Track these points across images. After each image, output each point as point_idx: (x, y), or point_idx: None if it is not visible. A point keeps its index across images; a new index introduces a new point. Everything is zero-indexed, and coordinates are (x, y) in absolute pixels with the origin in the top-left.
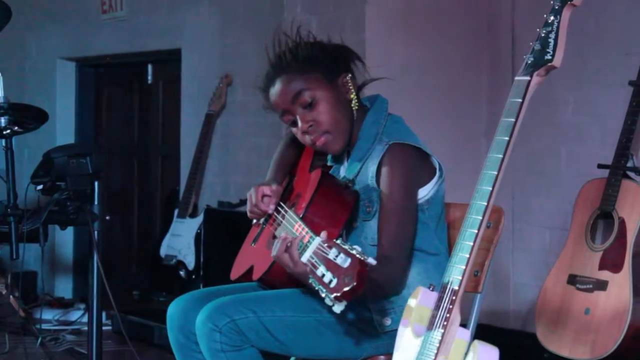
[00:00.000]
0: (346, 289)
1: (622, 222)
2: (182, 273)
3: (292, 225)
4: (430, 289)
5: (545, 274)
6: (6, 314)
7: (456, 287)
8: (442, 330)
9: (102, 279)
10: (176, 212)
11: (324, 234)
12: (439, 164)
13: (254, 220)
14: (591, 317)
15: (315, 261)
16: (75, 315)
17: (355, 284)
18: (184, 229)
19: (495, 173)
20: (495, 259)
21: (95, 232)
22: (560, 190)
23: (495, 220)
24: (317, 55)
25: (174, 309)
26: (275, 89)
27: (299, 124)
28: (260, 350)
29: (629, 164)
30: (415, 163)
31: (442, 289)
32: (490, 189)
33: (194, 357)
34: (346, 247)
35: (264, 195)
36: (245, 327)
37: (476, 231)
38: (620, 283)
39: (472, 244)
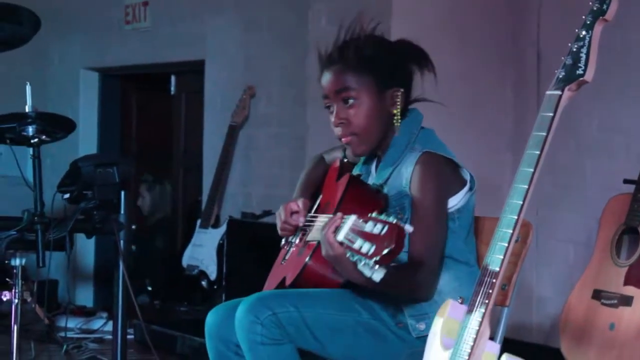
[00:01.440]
0: (385, 251)
1: None
2: (204, 283)
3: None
4: (460, 301)
5: (568, 288)
6: (31, 322)
7: (487, 301)
8: (472, 344)
9: (127, 288)
10: (198, 222)
11: (354, 215)
12: (471, 176)
13: (283, 241)
14: (616, 332)
15: (352, 237)
16: (97, 323)
17: (393, 245)
18: (206, 240)
19: (526, 187)
20: (519, 272)
21: (121, 242)
22: (585, 205)
23: (524, 235)
24: (379, 60)
25: (212, 319)
26: (328, 74)
27: (334, 115)
28: (301, 348)
29: None
30: (446, 171)
31: (471, 300)
32: (521, 202)
33: None
34: (382, 217)
35: (292, 212)
36: (286, 321)
37: (506, 245)
38: None
39: (502, 257)
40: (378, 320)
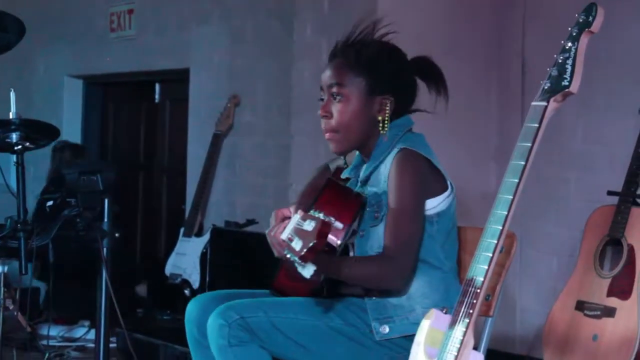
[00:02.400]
0: (307, 247)
1: (631, 249)
2: (186, 292)
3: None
4: (444, 311)
5: (552, 300)
6: (12, 330)
7: (471, 311)
8: (456, 354)
9: (110, 297)
10: (182, 231)
11: (300, 211)
12: (450, 183)
13: None
14: (599, 343)
15: (292, 235)
16: (79, 332)
17: (315, 241)
18: (189, 248)
19: (511, 197)
20: (503, 283)
21: (104, 249)
22: (569, 217)
23: (508, 245)
24: (375, 66)
25: (193, 306)
26: (328, 67)
27: (321, 106)
28: (272, 355)
29: (639, 192)
30: (423, 169)
31: (455, 311)
32: (506, 213)
33: (206, 354)
34: (315, 214)
35: (284, 218)
36: (255, 326)
37: (491, 255)
38: (628, 310)
39: (486, 267)
40: (351, 326)
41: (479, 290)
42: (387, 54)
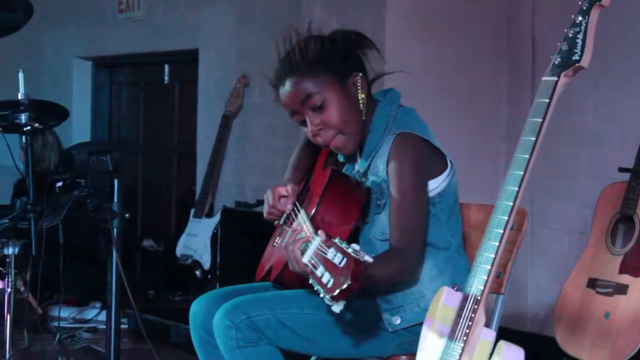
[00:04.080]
0: (340, 289)
1: None
2: (197, 273)
3: (302, 226)
4: (455, 288)
5: (563, 278)
6: (24, 311)
7: (479, 297)
8: (462, 344)
9: (121, 278)
10: (192, 211)
11: (322, 233)
12: (449, 159)
13: (275, 222)
14: (611, 321)
15: (315, 262)
16: (91, 313)
17: (349, 282)
18: (200, 229)
19: (522, 173)
20: (514, 261)
21: (115, 230)
22: (580, 195)
23: (519, 222)
24: (327, 54)
25: (196, 308)
26: (285, 89)
27: (309, 126)
28: (281, 350)
29: None
30: (423, 153)
31: (463, 297)
32: (517, 189)
33: (215, 354)
34: (343, 246)
35: (281, 196)
36: (262, 324)
37: (502, 231)
38: None
39: (497, 244)
40: (359, 316)
41: (480, 297)
42: (323, 40)
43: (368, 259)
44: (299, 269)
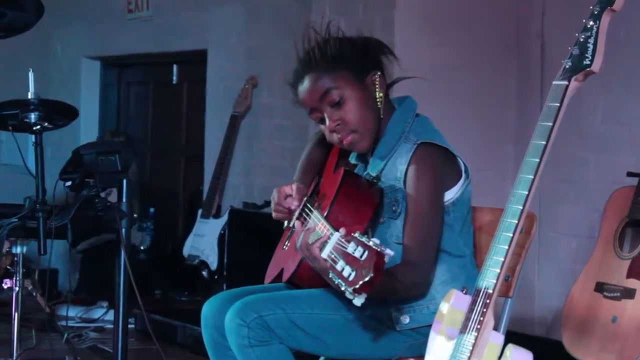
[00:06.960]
0: (363, 281)
1: None
2: (204, 273)
3: (317, 225)
4: (464, 292)
5: (571, 281)
6: (32, 310)
7: (490, 291)
8: (476, 334)
9: (129, 277)
10: (200, 212)
11: (342, 229)
12: (465, 166)
13: (285, 224)
14: (618, 325)
15: (335, 256)
16: (98, 313)
17: (372, 274)
18: (207, 229)
19: (532, 177)
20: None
21: (123, 230)
22: (588, 199)
23: (527, 226)
24: (345, 52)
25: (208, 309)
26: (304, 86)
27: (327, 122)
28: (292, 349)
29: None
30: (442, 166)
31: (476, 292)
32: (526, 192)
33: (227, 355)
34: (363, 239)
35: (286, 195)
36: (274, 324)
37: (511, 235)
38: None
39: (507, 247)
40: (369, 316)
41: (489, 301)
42: (342, 40)
43: (389, 252)
44: (319, 265)
